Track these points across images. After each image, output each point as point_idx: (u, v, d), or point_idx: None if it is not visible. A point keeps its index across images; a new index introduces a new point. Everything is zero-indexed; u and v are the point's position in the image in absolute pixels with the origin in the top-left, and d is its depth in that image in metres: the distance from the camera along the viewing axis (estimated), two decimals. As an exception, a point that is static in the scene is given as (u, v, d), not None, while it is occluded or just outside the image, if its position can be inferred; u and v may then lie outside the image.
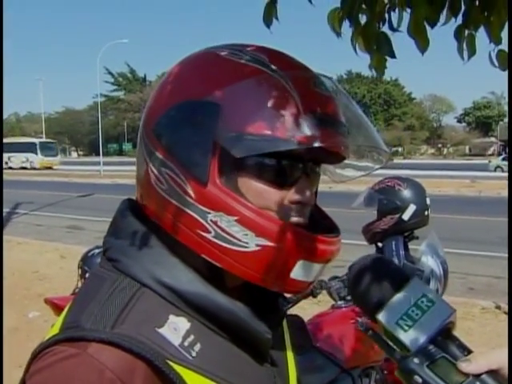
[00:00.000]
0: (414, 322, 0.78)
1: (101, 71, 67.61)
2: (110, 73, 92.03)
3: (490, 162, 44.88)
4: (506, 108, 79.57)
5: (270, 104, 0.77)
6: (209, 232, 0.80)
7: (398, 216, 2.95)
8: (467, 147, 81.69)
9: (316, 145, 0.77)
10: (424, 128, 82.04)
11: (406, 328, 0.78)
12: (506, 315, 6.57)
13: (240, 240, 0.79)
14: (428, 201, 3.06)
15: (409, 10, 1.78)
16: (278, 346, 0.95)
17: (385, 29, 1.86)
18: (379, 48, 1.85)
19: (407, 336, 0.78)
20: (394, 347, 0.80)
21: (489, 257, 10.14)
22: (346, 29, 1.95)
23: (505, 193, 21.53)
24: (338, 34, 1.93)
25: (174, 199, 0.81)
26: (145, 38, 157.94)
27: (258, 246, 0.79)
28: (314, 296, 2.73)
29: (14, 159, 48.01)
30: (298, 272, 0.82)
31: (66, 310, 0.83)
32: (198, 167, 0.79)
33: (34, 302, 6.76)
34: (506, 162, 42.39)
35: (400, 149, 73.73)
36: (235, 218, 0.79)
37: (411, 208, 2.95)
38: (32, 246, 10.98)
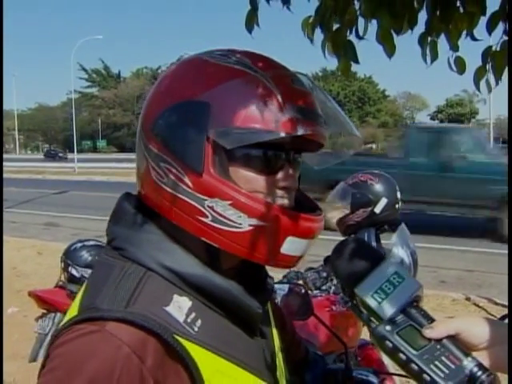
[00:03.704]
0: (386, 295, 0.91)
1: (75, 67, 66.82)
2: (84, 69, 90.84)
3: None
4: (477, 106, 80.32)
5: (254, 100, 0.88)
6: (206, 217, 0.90)
7: (370, 209, 3.04)
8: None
9: (296, 133, 0.87)
10: (398, 125, 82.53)
11: (380, 300, 0.91)
12: (475, 306, 6.76)
13: (235, 222, 0.89)
14: (399, 194, 3.16)
15: (375, 21, 1.91)
16: (264, 320, 1.07)
17: (352, 37, 2.01)
18: (345, 54, 2.01)
19: (380, 307, 0.91)
20: (370, 317, 0.94)
21: (460, 251, 10.32)
22: (318, 34, 2.09)
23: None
24: (311, 40, 2.09)
25: (174, 190, 0.91)
26: (119, 34, 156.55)
27: (250, 226, 0.89)
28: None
29: None
30: (287, 247, 0.92)
31: (79, 295, 0.92)
32: (194, 160, 0.89)
33: (13, 298, 6.74)
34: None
35: (374, 146, 74.11)
36: (229, 202, 0.88)
37: (383, 201, 3.04)
38: (8, 243, 10.86)
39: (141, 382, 0.80)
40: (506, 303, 6.22)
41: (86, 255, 3.93)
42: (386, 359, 3.03)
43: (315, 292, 3.11)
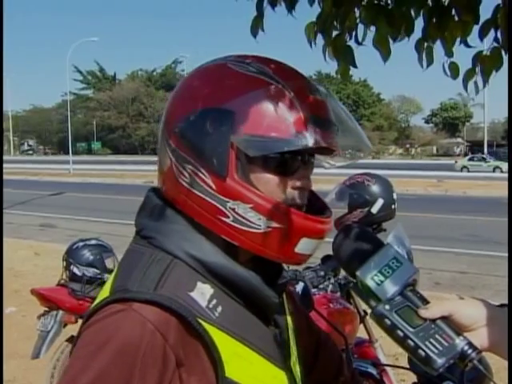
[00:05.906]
0: (385, 278, 0.99)
1: (70, 69, 66.65)
2: (79, 71, 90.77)
3: (456, 162, 45.74)
4: (472, 109, 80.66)
5: (275, 110, 0.93)
6: (227, 217, 0.96)
7: (367, 209, 3.10)
8: (434, 147, 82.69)
9: (315, 144, 0.93)
10: (392, 128, 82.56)
11: (379, 282, 0.99)
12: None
13: (254, 223, 0.96)
14: (395, 195, 3.21)
15: (373, 28, 2.01)
16: (279, 311, 1.13)
17: (351, 42, 2.11)
18: (344, 58, 2.10)
19: (380, 289, 0.99)
20: (370, 297, 1.01)
21: (454, 253, 10.43)
22: (319, 39, 2.18)
23: (470, 192, 22.05)
24: (313, 43, 2.17)
25: (197, 190, 0.97)
26: (115, 36, 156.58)
27: (268, 227, 0.96)
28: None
29: None
30: (301, 247, 0.99)
31: (110, 278, 1.00)
32: (219, 164, 0.94)
33: (11, 298, 6.78)
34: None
35: (369, 149, 73.91)
36: (250, 205, 0.95)
37: (379, 202, 3.10)
38: (5, 244, 10.81)
39: (164, 357, 0.87)
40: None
41: (87, 254, 3.99)
42: (382, 357, 3.10)
43: (313, 290, 3.16)
